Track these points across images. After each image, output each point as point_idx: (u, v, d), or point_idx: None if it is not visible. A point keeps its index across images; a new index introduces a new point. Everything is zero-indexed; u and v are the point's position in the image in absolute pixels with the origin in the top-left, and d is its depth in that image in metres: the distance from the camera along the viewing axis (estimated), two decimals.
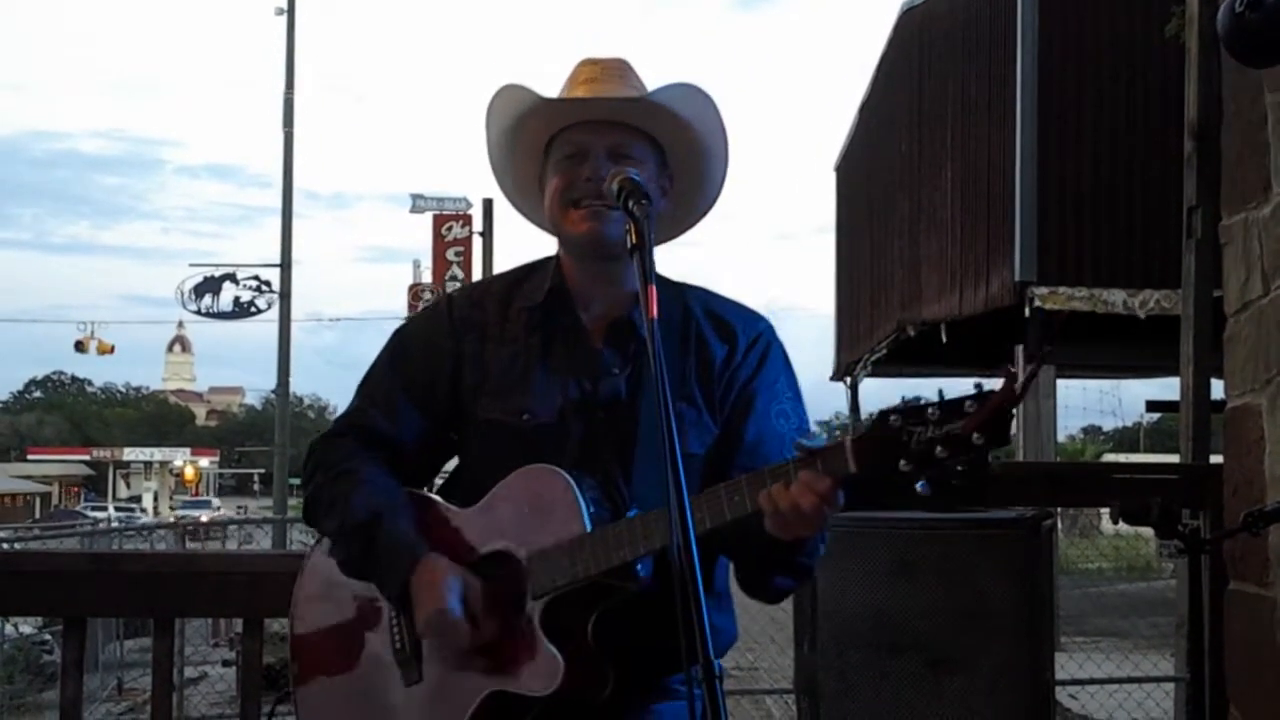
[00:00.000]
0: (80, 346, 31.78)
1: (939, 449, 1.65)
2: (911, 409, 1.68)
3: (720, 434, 2.09)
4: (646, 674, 2.04)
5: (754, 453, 2.03)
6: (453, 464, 2.25)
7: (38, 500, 61.96)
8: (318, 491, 2.13)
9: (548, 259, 2.18)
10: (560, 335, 2.11)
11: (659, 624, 1.79)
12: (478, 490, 2.06)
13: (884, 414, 1.69)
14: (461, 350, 2.14)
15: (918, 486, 1.68)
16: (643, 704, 2.06)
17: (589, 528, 1.91)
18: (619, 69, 2.11)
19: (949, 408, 1.65)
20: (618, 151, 2.04)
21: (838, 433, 1.82)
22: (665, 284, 2.12)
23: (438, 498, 2.15)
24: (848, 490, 1.78)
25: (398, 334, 2.27)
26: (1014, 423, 1.66)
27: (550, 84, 2.12)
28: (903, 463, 1.67)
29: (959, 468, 1.65)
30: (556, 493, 1.95)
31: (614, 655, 1.94)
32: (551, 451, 2.01)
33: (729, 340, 2.12)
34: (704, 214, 2.24)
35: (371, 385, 2.20)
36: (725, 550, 2.05)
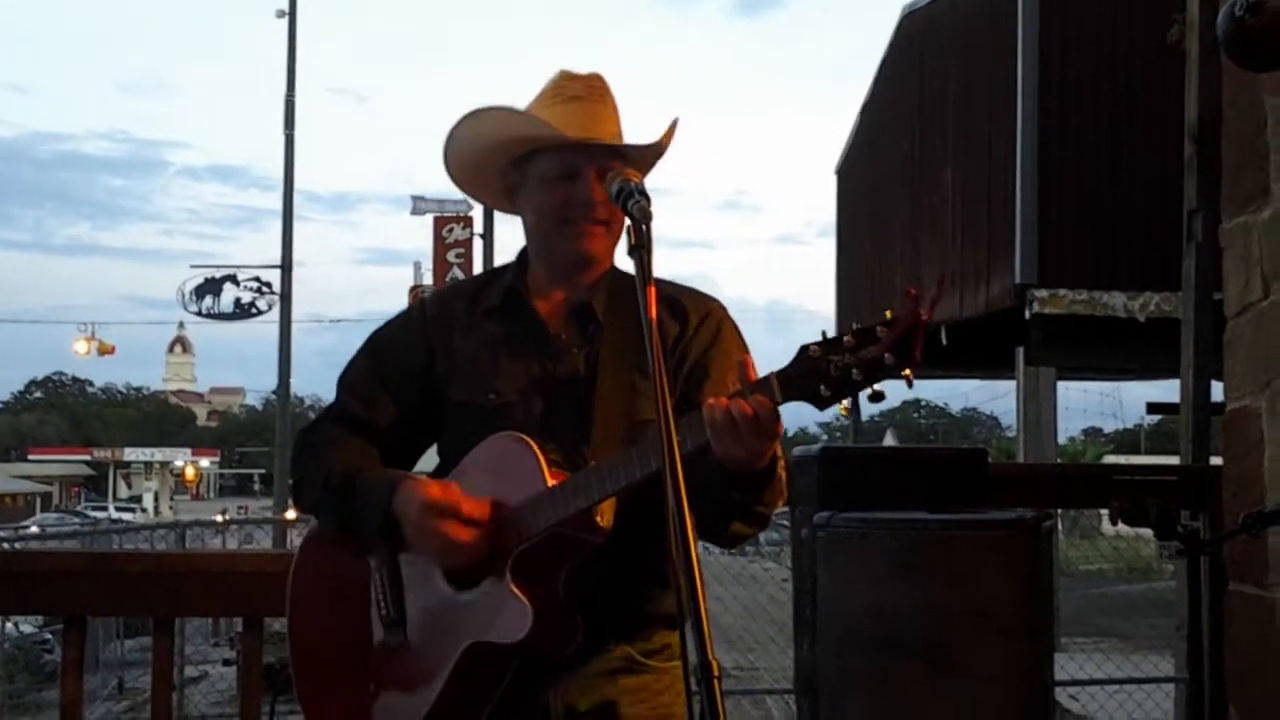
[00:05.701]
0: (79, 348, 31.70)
1: (855, 373, 1.84)
2: (829, 341, 1.86)
3: (678, 405, 2.13)
4: (618, 629, 2.18)
5: None
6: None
7: (38, 500, 61.94)
8: (303, 470, 2.35)
9: (506, 266, 2.39)
10: (520, 326, 2.30)
11: (627, 580, 2.12)
12: (453, 468, 2.23)
13: (804, 348, 1.87)
14: (432, 345, 2.33)
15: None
16: (610, 672, 2.18)
17: (549, 484, 2.06)
18: (601, 90, 2.27)
19: (862, 335, 1.84)
20: (604, 171, 2.16)
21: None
22: (622, 275, 2.27)
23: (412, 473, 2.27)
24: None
25: (373, 336, 2.45)
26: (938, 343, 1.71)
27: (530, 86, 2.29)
28: (823, 388, 1.85)
29: (873, 386, 1.87)
30: (519, 455, 2.10)
31: (585, 610, 2.09)
32: (516, 425, 2.17)
33: (680, 318, 2.27)
34: None
35: (349, 380, 2.39)
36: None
